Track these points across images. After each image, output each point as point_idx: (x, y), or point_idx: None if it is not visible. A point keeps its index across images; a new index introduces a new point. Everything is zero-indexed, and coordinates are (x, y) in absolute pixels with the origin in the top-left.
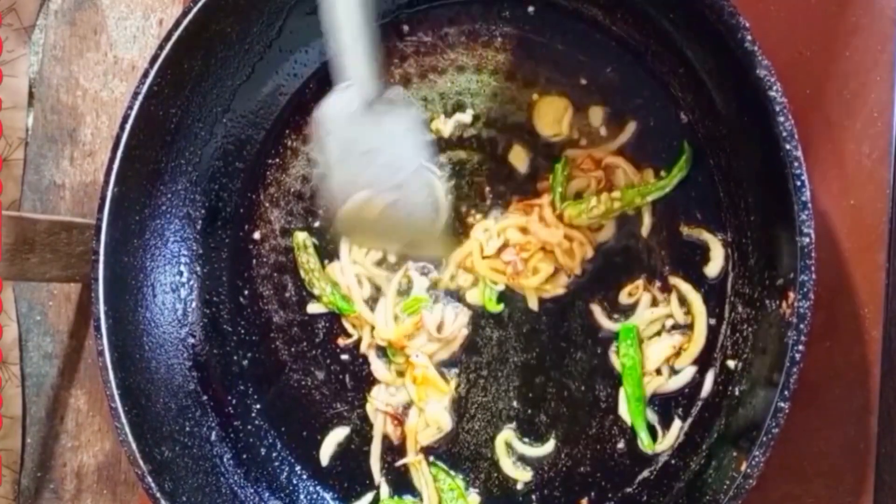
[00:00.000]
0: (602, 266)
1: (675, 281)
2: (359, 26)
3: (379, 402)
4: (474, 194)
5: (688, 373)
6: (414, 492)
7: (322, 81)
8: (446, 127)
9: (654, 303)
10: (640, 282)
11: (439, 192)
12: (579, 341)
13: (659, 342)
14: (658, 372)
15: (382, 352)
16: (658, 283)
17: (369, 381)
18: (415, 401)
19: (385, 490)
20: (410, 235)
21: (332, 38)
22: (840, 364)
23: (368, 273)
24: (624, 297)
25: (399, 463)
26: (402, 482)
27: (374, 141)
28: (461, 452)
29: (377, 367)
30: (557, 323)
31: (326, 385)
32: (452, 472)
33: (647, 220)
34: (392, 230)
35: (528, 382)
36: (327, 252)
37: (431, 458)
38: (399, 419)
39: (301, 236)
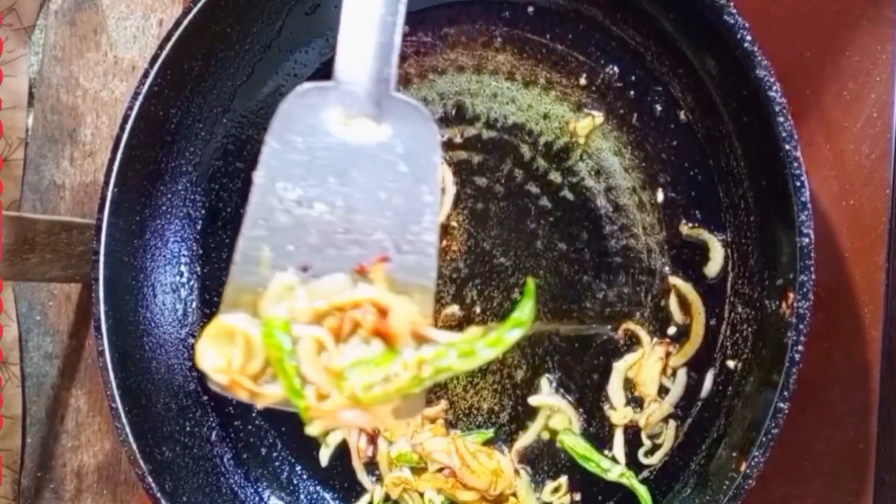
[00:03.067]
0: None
1: (674, 281)
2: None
3: None
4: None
5: (681, 380)
6: None
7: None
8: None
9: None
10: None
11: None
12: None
13: (647, 361)
14: (659, 392)
15: None
16: (657, 283)
17: None
18: (381, 433)
19: (378, 493)
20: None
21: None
22: (840, 364)
23: None
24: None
25: (378, 495)
26: None
27: (342, 184)
28: None
29: None
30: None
31: None
32: None
33: None
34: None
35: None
36: None
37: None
38: (372, 436)
39: None
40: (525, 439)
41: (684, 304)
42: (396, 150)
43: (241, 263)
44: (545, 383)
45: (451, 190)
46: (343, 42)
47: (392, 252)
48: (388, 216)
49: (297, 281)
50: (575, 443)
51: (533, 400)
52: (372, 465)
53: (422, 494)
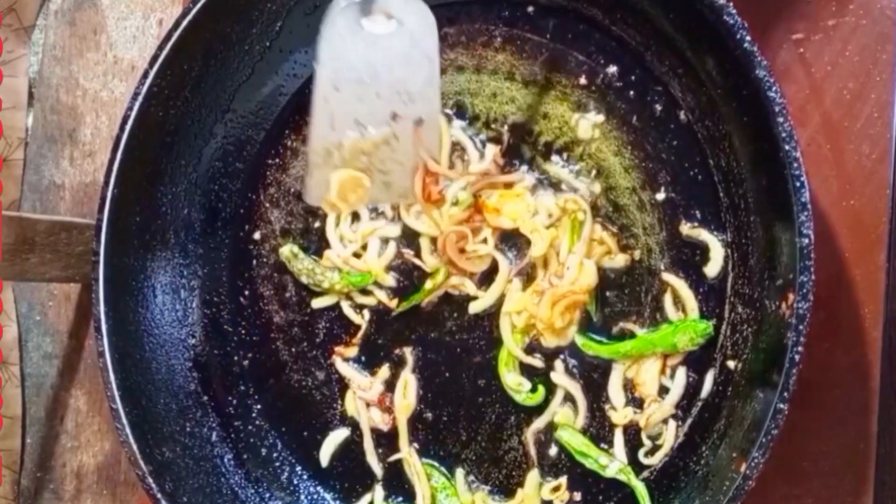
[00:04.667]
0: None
1: (667, 277)
2: None
3: (361, 396)
4: None
5: (681, 380)
6: (408, 497)
7: None
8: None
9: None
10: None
11: (442, 133)
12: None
13: (646, 361)
14: (660, 393)
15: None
16: (657, 283)
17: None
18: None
19: (379, 494)
20: (396, 187)
21: None
22: (840, 364)
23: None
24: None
25: (392, 458)
26: (397, 486)
27: (370, 65)
28: (461, 453)
29: (349, 371)
30: None
31: (327, 385)
32: (446, 473)
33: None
34: (377, 174)
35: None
36: (318, 248)
37: (424, 460)
38: (388, 406)
39: (286, 250)
40: (539, 422)
41: (678, 302)
42: (404, 37)
43: (318, 126)
44: (559, 364)
45: (446, 145)
46: None
47: (408, 104)
48: (403, 79)
49: (359, 136)
50: (573, 438)
51: (555, 377)
52: (381, 448)
53: (429, 476)
